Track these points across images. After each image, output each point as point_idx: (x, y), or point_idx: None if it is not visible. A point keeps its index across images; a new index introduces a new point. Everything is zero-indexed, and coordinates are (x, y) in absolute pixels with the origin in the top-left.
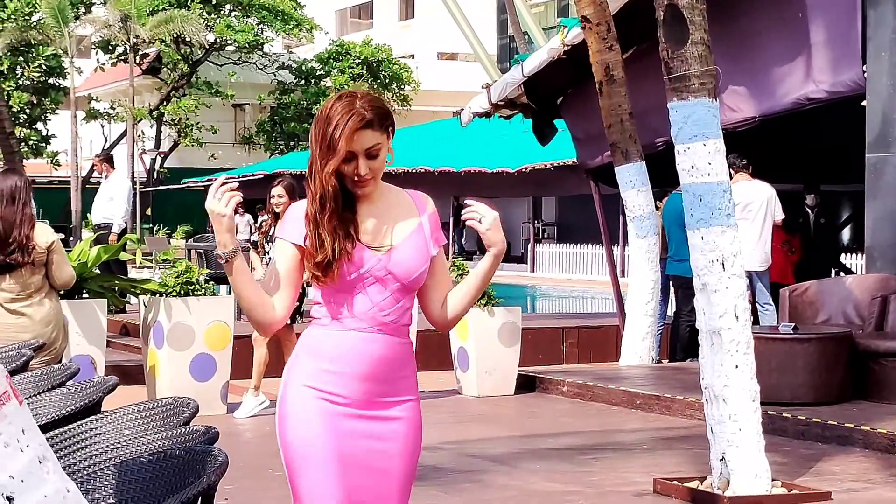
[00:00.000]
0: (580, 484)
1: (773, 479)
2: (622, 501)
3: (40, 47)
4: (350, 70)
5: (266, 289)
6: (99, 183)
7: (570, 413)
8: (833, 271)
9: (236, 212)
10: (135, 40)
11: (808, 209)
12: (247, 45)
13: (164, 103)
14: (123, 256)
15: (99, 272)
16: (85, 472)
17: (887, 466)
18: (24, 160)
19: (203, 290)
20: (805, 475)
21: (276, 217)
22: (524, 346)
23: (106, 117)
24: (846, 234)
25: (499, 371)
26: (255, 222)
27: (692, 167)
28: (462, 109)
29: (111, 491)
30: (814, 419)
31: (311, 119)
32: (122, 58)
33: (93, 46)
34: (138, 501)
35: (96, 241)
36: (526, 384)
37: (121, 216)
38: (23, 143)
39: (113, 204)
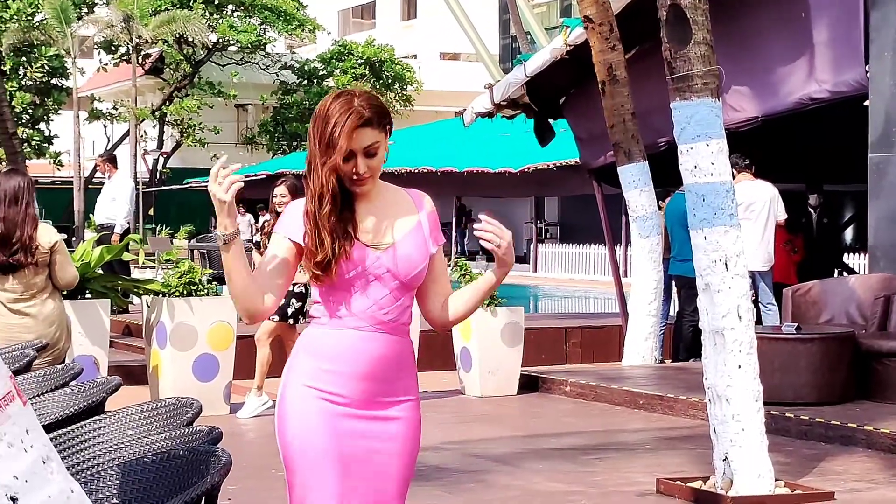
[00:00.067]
0: (583, 484)
1: (776, 479)
2: (625, 501)
3: (43, 48)
4: (352, 70)
5: (257, 279)
6: (102, 183)
7: (572, 413)
8: (836, 271)
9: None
10: (137, 40)
11: (810, 209)
12: (249, 45)
13: (167, 103)
14: (126, 257)
15: (102, 272)
16: (88, 473)
17: (890, 466)
18: (27, 160)
19: (206, 291)
20: (808, 475)
21: (279, 217)
22: (527, 346)
23: (108, 117)
24: (849, 233)
25: (502, 371)
26: (256, 222)
27: (695, 167)
28: (465, 109)
29: (115, 491)
30: (817, 419)
31: None
32: (125, 58)
33: (95, 47)
34: (142, 501)
35: (99, 241)
36: (529, 384)
37: (123, 216)
38: (25, 144)
39: (115, 204)
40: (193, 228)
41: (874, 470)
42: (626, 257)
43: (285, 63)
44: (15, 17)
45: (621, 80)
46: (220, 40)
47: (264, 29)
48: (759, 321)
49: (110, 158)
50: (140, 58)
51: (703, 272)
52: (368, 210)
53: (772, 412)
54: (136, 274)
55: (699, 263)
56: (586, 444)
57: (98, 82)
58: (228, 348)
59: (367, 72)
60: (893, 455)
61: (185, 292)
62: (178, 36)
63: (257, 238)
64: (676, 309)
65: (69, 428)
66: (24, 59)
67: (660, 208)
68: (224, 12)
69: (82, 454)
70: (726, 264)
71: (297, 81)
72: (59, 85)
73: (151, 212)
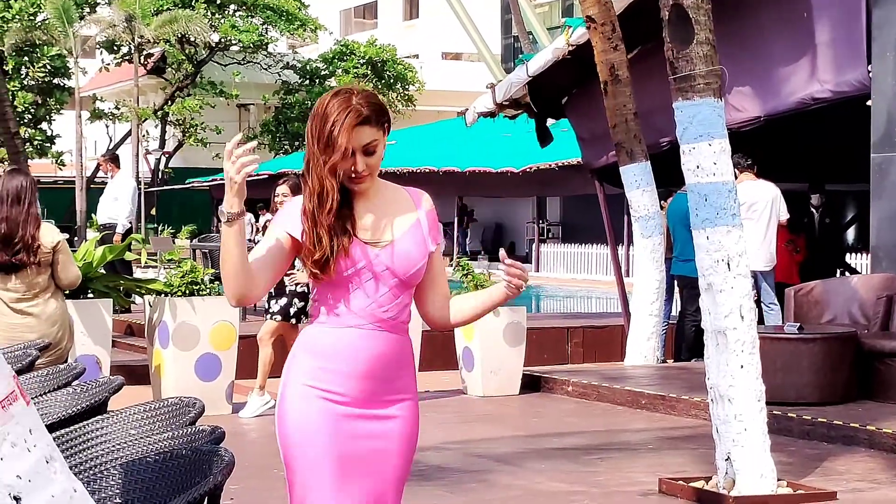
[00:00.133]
0: (585, 484)
1: (778, 479)
2: (627, 501)
3: (45, 47)
4: (354, 70)
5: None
6: (104, 183)
7: (575, 413)
8: (838, 271)
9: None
10: (139, 40)
11: (812, 209)
12: (251, 45)
13: (169, 103)
14: (129, 256)
15: (104, 272)
16: (91, 472)
17: (893, 466)
18: (29, 160)
19: (208, 290)
20: (810, 475)
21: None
22: (529, 345)
23: (110, 117)
24: (851, 233)
25: (504, 371)
26: (257, 221)
27: (697, 167)
28: (467, 109)
29: (117, 491)
30: (819, 419)
31: None
32: (127, 58)
33: (97, 46)
34: (144, 501)
35: (101, 241)
36: (531, 384)
37: (125, 216)
38: (28, 144)
39: (118, 204)
40: (195, 228)
41: (876, 470)
42: (628, 257)
43: (287, 63)
44: (17, 16)
45: (623, 80)
46: (222, 40)
47: (266, 29)
48: (761, 321)
49: (113, 158)
50: (142, 57)
51: (706, 272)
52: (367, 208)
53: (774, 412)
54: (138, 274)
55: (701, 263)
56: (588, 444)
57: (100, 82)
58: (231, 348)
59: (369, 72)
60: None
61: (187, 292)
62: (180, 36)
63: (258, 238)
64: (678, 309)
65: (72, 427)
66: (26, 58)
67: (662, 208)
68: (226, 12)
69: (85, 454)
70: (729, 264)
71: (299, 81)
72: (62, 85)
73: (153, 211)
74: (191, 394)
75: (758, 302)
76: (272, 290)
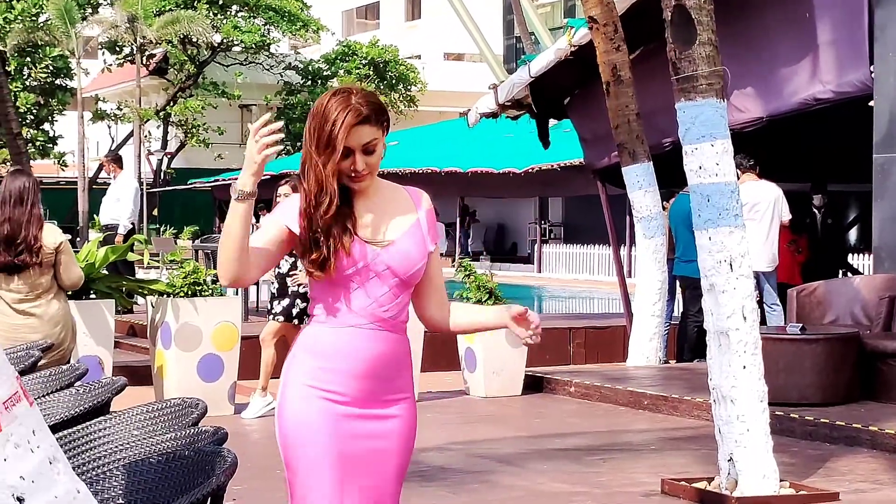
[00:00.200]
0: (588, 484)
1: (781, 480)
2: (630, 502)
3: (47, 48)
4: (357, 71)
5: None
6: (106, 183)
7: (577, 413)
8: (840, 272)
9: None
10: (141, 41)
11: (815, 209)
12: (253, 45)
13: (171, 104)
14: (131, 257)
15: (107, 273)
16: (94, 473)
17: (895, 467)
18: (32, 161)
19: (210, 291)
20: (813, 476)
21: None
22: (531, 346)
23: (113, 118)
24: (853, 234)
25: (506, 372)
26: (258, 222)
27: (700, 168)
28: (469, 110)
29: (120, 492)
30: (821, 420)
31: None
32: (129, 58)
33: (99, 47)
34: (147, 502)
35: (104, 241)
36: (533, 385)
37: (126, 217)
38: (30, 144)
39: (120, 205)
40: (197, 229)
41: (879, 470)
42: (630, 258)
43: (289, 63)
44: (19, 17)
45: (626, 81)
46: (224, 41)
47: (268, 29)
48: (763, 322)
49: (115, 158)
50: (144, 58)
51: (708, 273)
52: (367, 207)
53: (776, 413)
54: (140, 274)
55: (704, 264)
56: (591, 445)
57: (102, 83)
58: (233, 348)
59: (371, 72)
60: None
61: (189, 293)
62: (182, 36)
63: None
64: (681, 309)
65: (75, 428)
66: (28, 59)
67: (664, 209)
68: (228, 13)
69: (88, 454)
70: (731, 265)
71: (301, 82)
72: (64, 85)
73: (155, 212)
74: (193, 394)
75: (760, 303)
76: (274, 291)
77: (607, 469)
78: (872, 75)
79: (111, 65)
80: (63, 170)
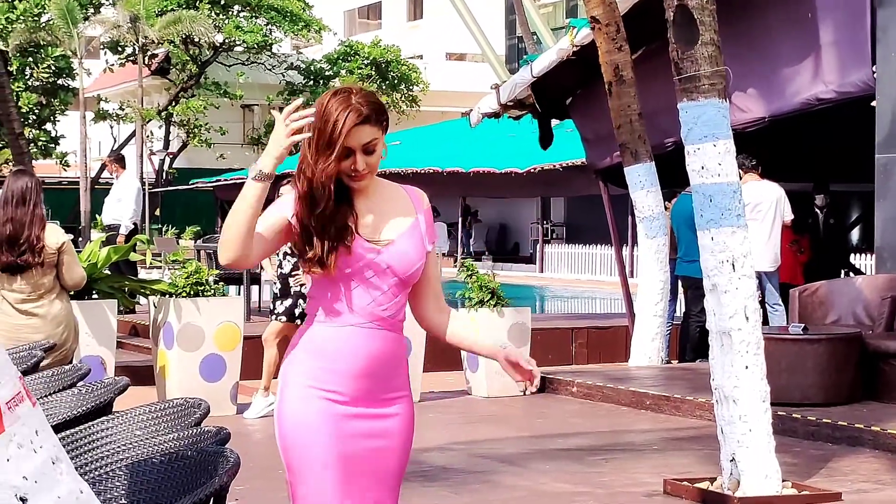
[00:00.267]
0: (590, 484)
1: (783, 480)
2: (632, 502)
3: (49, 48)
4: (359, 71)
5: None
6: (108, 183)
7: (579, 414)
8: (842, 272)
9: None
10: (143, 41)
11: (817, 209)
12: (255, 45)
13: (173, 104)
14: (133, 257)
15: (109, 273)
16: (97, 473)
17: None
18: (34, 161)
19: (213, 291)
20: (815, 476)
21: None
22: (533, 346)
23: (115, 118)
24: (855, 234)
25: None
26: None
27: (702, 168)
28: (471, 110)
29: (123, 492)
30: (824, 420)
31: None
32: (131, 58)
33: (102, 47)
34: (150, 502)
35: (106, 241)
36: None
37: (128, 217)
38: (32, 144)
39: (122, 205)
40: (199, 229)
41: (881, 471)
42: (632, 258)
43: (291, 63)
44: (21, 17)
45: (628, 81)
46: (227, 41)
47: (270, 29)
48: (765, 322)
49: (118, 158)
50: (146, 58)
51: (710, 273)
52: (367, 206)
53: (779, 413)
54: (142, 274)
55: (706, 264)
56: (593, 445)
57: (104, 83)
58: (235, 349)
59: (373, 72)
60: None
61: (191, 293)
62: (184, 36)
63: None
64: (683, 309)
65: (77, 428)
66: (30, 59)
67: (666, 209)
68: (230, 13)
69: (90, 455)
70: (733, 265)
71: (304, 82)
72: (66, 85)
73: (157, 212)
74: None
75: (762, 302)
76: (276, 292)
77: (609, 469)
78: (875, 75)
79: (113, 65)
80: (65, 170)
